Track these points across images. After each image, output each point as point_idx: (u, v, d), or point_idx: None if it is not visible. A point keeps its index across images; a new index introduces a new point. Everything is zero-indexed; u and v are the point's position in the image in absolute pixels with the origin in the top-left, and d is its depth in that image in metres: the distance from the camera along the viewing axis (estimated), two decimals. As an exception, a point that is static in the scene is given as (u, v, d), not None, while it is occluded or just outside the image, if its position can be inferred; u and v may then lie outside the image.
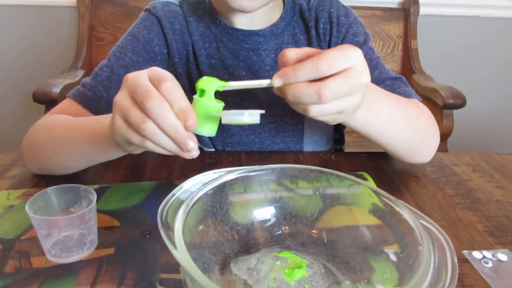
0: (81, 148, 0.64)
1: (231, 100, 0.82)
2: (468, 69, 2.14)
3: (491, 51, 2.13)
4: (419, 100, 0.79)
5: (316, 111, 0.52)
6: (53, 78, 1.68)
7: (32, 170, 0.73)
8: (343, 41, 0.83)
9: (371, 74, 0.79)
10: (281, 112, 0.84)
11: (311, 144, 0.89)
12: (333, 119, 0.57)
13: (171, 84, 0.48)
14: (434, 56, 2.07)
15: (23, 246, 0.55)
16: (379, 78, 0.80)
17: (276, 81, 0.51)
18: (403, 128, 0.71)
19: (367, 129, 0.67)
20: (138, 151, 0.57)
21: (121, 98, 0.49)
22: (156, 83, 0.48)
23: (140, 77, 0.48)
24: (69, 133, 0.66)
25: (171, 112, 0.47)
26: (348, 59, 0.49)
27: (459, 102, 1.63)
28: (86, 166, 0.72)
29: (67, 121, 0.69)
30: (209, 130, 0.51)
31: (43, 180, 0.71)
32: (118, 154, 0.63)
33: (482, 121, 2.02)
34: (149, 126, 0.47)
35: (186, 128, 0.47)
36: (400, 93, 0.77)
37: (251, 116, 0.49)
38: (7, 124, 2.04)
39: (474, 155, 0.87)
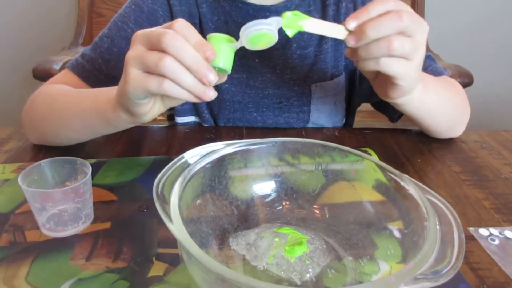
0: (85, 120, 0.62)
1: (237, 77, 0.80)
2: (475, 47, 2.09)
3: (498, 29, 2.08)
4: (448, 75, 0.80)
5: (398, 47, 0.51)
6: (53, 55, 1.66)
7: (32, 140, 0.72)
8: None
9: None
10: (287, 93, 0.82)
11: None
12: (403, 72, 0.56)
13: (183, 22, 0.48)
14: (441, 34, 2.02)
15: (18, 220, 0.54)
16: None
17: (350, 39, 0.51)
18: (447, 106, 0.73)
19: (421, 109, 0.68)
20: (148, 116, 0.55)
21: (134, 50, 0.49)
22: (167, 26, 0.48)
23: (149, 29, 0.48)
24: (71, 105, 0.64)
25: (189, 45, 0.47)
26: (420, 27, 0.52)
27: (467, 81, 1.59)
28: (89, 138, 0.70)
29: (68, 93, 0.67)
30: (225, 62, 0.50)
31: (40, 153, 0.69)
32: (124, 125, 0.61)
33: (490, 99, 1.99)
34: (168, 61, 0.46)
35: (206, 59, 0.47)
36: (432, 71, 0.77)
37: (269, 26, 0.49)
38: (7, 100, 2.02)
39: (481, 132, 0.84)
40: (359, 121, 1.57)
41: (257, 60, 0.80)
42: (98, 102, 0.60)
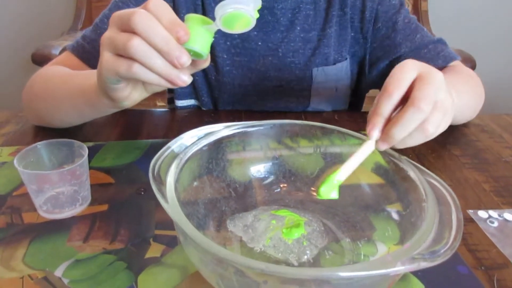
0: (73, 103, 0.62)
1: (239, 60, 0.79)
2: (478, 31, 2.07)
3: (501, 14, 2.05)
4: (459, 59, 0.79)
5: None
6: (52, 39, 1.65)
7: (31, 121, 0.72)
8: (379, 5, 0.78)
9: (413, 39, 0.78)
10: (288, 76, 0.81)
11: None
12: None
13: (159, 1, 0.44)
14: (443, 19, 1.99)
15: (15, 202, 0.54)
16: (422, 43, 0.78)
17: (381, 146, 0.45)
18: (469, 103, 0.75)
19: (455, 114, 0.65)
20: (128, 101, 0.54)
21: (108, 31, 0.46)
22: (142, 6, 0.45)
23: (126, 9, 0.46)
24: (62, 86, 0.64)
25: (159, 25, 0.43)
26: (437, 90, 0.42)
27: (469, 66, 1.58)
28: (80, 122, 0.70)
29: (61, 74, 0.66)
30: (201, 45, 0.46)
31: (37, 137, 0.69)
32: (107, 109, 0.61)
33: (492, 83, 1.97)
34: (136, 42, 0.43)
35: (178, 40, 0.44)
36: (444, 56, 0.77)
37: (246, 6, 0.44)
38: (6, 85, 2.02)
39: (483, 116, 0.84)
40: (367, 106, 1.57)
41: (259, 43, 0.79)
42: (84, 85, 0.59)
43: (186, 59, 0.45)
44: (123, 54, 0.45)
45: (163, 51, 0.44)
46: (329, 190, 0.45)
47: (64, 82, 0.64)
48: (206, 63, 0.50)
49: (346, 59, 0.82)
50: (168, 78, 0.46)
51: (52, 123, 0.69)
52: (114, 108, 0.58)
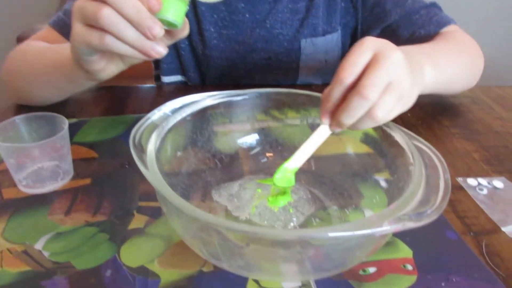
0: (50, 76, 0.60)
1: (226, 33, 0.77)
2: (469, 5, 2.05)
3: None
4: (455, 23, 0.75)
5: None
6: (38, 23, 1.61)
7: (12, 99, 0.70)
8: None
9: (404, 5, 0.75)
10: (276, 48, 0.79)
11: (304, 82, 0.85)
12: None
13: None
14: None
15: (-5, 178, 0.52)
16: (413, 9, 0.75)
17: (333, 129, 0.43)
18: (463, 71, 0.71)
19: (438, 87, 0.64)
20: (105, 74, 0.52)
21: (78, 1, 0.45)
22: None
23: None
24: (38, 61, 0.62)
25: None
26: (390, 73, 0.39)
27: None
28: (59, 97, 0.68)
29: (38, 49, 0.65)
30: (174, 15, 0.44)
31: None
32: (84, 81, 0.59)
33: (484, 56, 1.97)
34: (106, 12, 0.41)
35: (149, 9, 0.42)
36: (437, 21, 0.74)
37: None
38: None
39: (474, 88, 0.82)
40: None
41: (247, 15, 0.77)
42: (61, 58, 0.57)
43: (158, 30, 0.43)
44: (94, 25, 0.43)
45: (134, 21, 0.42)
46: (283, 178, 0.44)
47: (40, 56, 0.63)
48: (182, 33, 0.49)
49: (337, 30, 0.80)
50: (142, 49, 0.45)
51: (32, 99, 0.67)
52: (91, 80, 0.57)
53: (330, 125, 0.42)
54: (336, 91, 0.40)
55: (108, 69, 0.51)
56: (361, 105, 0.38)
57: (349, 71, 0.39)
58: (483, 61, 0.76)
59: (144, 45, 0.44)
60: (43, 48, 0.65)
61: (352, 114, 0.39)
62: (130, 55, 0.45)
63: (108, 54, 0.49)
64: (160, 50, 0.45)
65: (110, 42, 0.44)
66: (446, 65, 0.64)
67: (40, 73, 0.61)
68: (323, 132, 0.43)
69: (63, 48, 0.58)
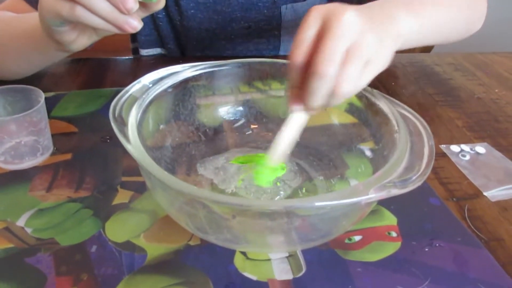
0: (19, 47, 0.58)
1: (203, 2, 0.75)
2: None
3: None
4: None
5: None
6: None
7: None
8: None
9: None
10: (256, 16, 0.77)
11: (288, 53, 0.83)
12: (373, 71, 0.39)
13: None
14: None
15: (-29, 155, 0.50)
16: None
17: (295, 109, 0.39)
18: (456, 14, 0.60)
19: (426, 37, 0.56)
20: (76, 45, 0.50)
21: None
22: None
23: None
24: (6, 32, 0.59)
25: None
26: (344, 39, 0.34)
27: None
28: (30, 70, 0.65)
29: (4, 19, 0.61)
30: None
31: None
32: (54, 53, 0.56)
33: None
34: None
35: None
36: None
37: None
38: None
39: (456, 55, 0.83)
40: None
41: None
42: (30, 28, 0.55)
43: (132, 4, 0.41)
44: None
45: None
46: (266, 177, 0.41)
47: (6, 27, 0.60)
48: (158, 5, 0.47)
49: None
50: (115, 23, 0.43)
51: (1, 73, 0.65)
52: (62, 51, 0.55)
53: (304, 109, 0.38)
54: (292, 75, 0.36)
55: (80, 40, 0.49)
56: (322, 84, 0.34)
57: (297, 50, 0.35)
58: (485, 2, 0.66)
59: (117, 18, 0.43)
60: (9, 18, 0.62)
61: (317, 95, 0.35)
62: (103, 28, 0.44)
63: (81, 25, 0.47)
64: (135, 24, 0.44)
65: (81, 13, 0.42)
66: (432, 10, 0.55)
67: (9, 42, 0.58)
68: (298, 120, 0.39)
69: (31, 18, 0.55)
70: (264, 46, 0.80)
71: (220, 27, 0.77)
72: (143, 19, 0.75)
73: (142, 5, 0.46)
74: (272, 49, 0.81)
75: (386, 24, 0.43)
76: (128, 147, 0.36)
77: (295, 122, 0.39)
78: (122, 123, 0.39)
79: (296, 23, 0.78)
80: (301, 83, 0.36)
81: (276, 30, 0.79)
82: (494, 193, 0.48)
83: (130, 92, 0.44)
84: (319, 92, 0.35)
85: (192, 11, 0.75)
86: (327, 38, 0.34)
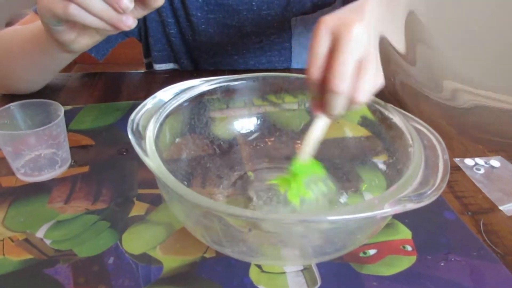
0: (27, 52, 0.59)
1: (213, 17, 0.76)
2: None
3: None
4: None
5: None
6: (27, 8, 1.58)
7: None
8: None
9: None
10: (266, 30, 0.78)
11: (300, 64, 0.84)
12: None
13: None
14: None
15: (-9, 167, 0.52)
16: None
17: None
18: None
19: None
20: (77, 45, 0.51)
21: None
22: None
23: None
24: (13, 40, 0.61)
25: None
26: (354, 54, 0.36)
27: None
28: (40, 76, 0.67)
29: (16, 30, 0.63)
30: None
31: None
32: (58, 54, 0.57)
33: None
34: None
35: None
36: None
37: None
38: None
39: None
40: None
41: None
42: (35, 32, 0.56)
43: (127, 3, 0.42)
44: None
45: None
46: (297, 193, 0.43)
47: (15, 33, 0.61)
48: (156, 2, 0.47)
49: (333, 1, 0.77)
50: (110, 22, 0.44)
51: (14, 85, 0.66)
52: (65, 52, 0.55)
53: (326, 116, 0.41)
54: (312, 88, 0.38)
55: (81, 40, 0.50)
56: (337, 98, 0.37)
57: (312, 67, 0.37)
58: None
59: (112, 17, 0.43)
60: (18, 27, 0.63)
61: (334, 107, 0.38)
62: (98, 27, 0.44)
63: (79, 25, 0.48)
64: (130, 22, 0.44)
65: (75, 12, 0.43)
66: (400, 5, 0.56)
67: (15, 51, 0.60)
68: (322, 123, 0.42)
69: (38, 23, 0.57)
70: (276, 59, 0.81)
71: (232, 42, 0.78)
72: (155, 36, 0.76)
73: (140, 2, 0.46)
74: (284, 61, 0.82)
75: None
76: (146, 160, 0.36)
77: (320, 124, 0.42)
78: (140, 137, 0.40)
79: (306, 34, 0.79)
80: (321, 93, 0.38)
81: (287, 43, 0.79)
82: (509, 207, 0.48)
83: (147, 107, 0.44)
84: (336, 104, 0.37)
85: (203, 26, 0.76)
86: (338, 52, 0.35)
